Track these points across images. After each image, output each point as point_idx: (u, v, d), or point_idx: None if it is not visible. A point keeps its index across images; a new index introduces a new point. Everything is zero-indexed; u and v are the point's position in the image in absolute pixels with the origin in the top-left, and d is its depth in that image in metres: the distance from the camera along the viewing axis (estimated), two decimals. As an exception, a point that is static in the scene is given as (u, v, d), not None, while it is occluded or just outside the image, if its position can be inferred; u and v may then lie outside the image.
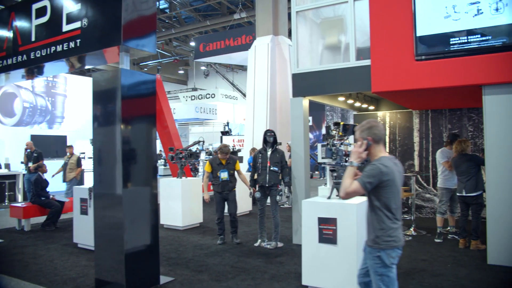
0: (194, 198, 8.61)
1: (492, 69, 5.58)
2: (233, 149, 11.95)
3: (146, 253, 4.74)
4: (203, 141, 11.34)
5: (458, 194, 6.65)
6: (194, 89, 28.02)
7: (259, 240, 6.87)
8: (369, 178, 2.89)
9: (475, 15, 5.66)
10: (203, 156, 13.51)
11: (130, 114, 4.59)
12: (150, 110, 4.89)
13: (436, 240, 6.92)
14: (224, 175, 6.88)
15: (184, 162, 8.80)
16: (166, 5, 19.99)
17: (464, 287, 4.77)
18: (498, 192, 5.60)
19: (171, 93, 29.09)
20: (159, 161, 23.00)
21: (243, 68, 26.68)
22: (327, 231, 4.40)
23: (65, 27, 5.07)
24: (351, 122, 11.64)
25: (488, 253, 5.66)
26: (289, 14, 7.75)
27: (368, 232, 3.08)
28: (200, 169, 17.82)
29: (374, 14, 6.37)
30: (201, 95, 23.94)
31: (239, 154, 12.45)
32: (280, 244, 6.76)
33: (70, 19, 5.01)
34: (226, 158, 6.94)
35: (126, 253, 4.42)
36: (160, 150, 21.60)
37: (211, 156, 10.07)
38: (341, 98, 8.40)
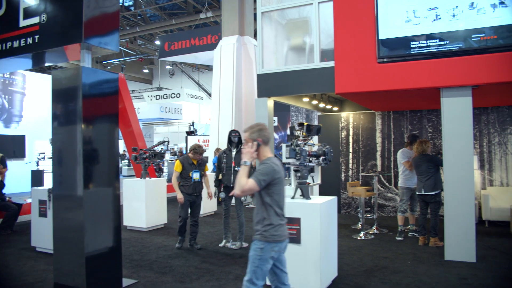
0: (158, 198, 8.48)
1: (449, 73, 5.78)
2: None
3: (108, 255, 4.63)
4: (168, 141, 11.22)
5: (417, 193, 6.85)
6: (159, 89, 27.64)
7: (224, 241, 6.85)
8: (264, 176, 3.13)
9: (434, 20, 5.85)
10: (168, 156, 13.37)
11: (91, 113, 4.47)
12: (112, 110, 4.78)
13: (397, 238, 7.11)
14: (196, 175, 6.67)
15: (148, 163, 8.66)
16: (130, 3, 19.64)
17: (422, 282, 4.92)
18: (455, 191, 5.81)
19: (136, 92, 28.60)
20: (122, 161, 22.58)
21: (209, 68, 26.55)
22: (291, 230, 4.43)
23: (22, 22, 4.87)
24: (316, 123, 11.78)
25: (446, 249, 5.88)
26: (255, 15, 7.77)
27: (256, 228, 3.27)
28: (165, 169, 17.63)
29: (338, 17, 6.47)
30: (166, 94, 23.63)
31: (204, 154, 12.36)
32: (245, 244, 6.76)
33: (28, 14, 4.82)
34: (198, 159, 6.76)
35: (86, 256, 4.31)
36: (124, 150, 21.20)
37: (175, 156, 9.97)
38: (306, 99, 8.50)
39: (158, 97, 23.96)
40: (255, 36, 13.29)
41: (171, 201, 10.36)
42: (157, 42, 21.08)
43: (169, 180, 13.19)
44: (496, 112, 8.53)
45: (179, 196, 6.62)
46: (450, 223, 5.83)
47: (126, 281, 4.99)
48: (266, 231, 3.17)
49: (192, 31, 18.04)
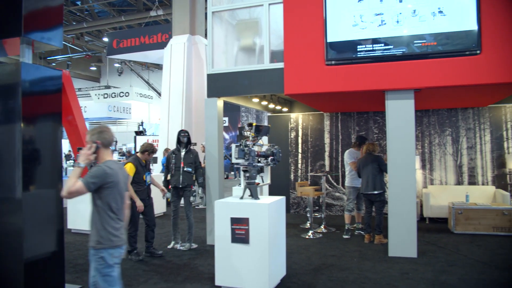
0: (104, 200, 8.22)
1: (393, 76, 6.00)
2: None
3: (50, 260, 4.43)
4: (116, 141, 10.89)
5: (363, 192, 7.07)
6: (107, 87, 26.84)
7: (173, 242, 6.75)
8: (93, 178, 3.10)
9: (379, 25, 6.06)
10: (115, 156, 12.99)
11: (32, 111, 4.26)
12: (55, 108, 4.58)
13: (344, 236, 7.30)
14: (149, 178, 6.25)
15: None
16: (77, -3, 18.97)
17: (368, 279, 5.08)
18: (399, 190, 6.06)
19: (82, 91, 27.62)
20: (68, 161, 21.74)
21: (159, 66, 26.07)
22: (240, 231, 4.44)
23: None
24: (265, 123, 11.88)
25: (389, 246, 6.11)
26: (207, 14, 7.73)
27: (91, 234, 3.22)
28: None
29: (288, 19, 6.55)
30: (115, 93, 22.99)
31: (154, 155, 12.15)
32: (194, 246, 6.70)
33: (-38, 6, 4.54)
34: (148, 159, 6.29)
35: (25, 262, 4.09)
36: (69, 151, 20.41)
37: (124, 157, 9.69)
38: (255, 100, 8.54)
39: (106, 95, 23.26)
40: (206, 35, 13.23)
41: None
42: (105, 39, 20.48)
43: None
44: (436, 115, 8.97)
45: (140, 203, 5.97)
46: (393, 220, 6.06)
47: (69, 287, 4.81)
48: (102, 237, 3.14)
49: (142, 28, 17.67)
